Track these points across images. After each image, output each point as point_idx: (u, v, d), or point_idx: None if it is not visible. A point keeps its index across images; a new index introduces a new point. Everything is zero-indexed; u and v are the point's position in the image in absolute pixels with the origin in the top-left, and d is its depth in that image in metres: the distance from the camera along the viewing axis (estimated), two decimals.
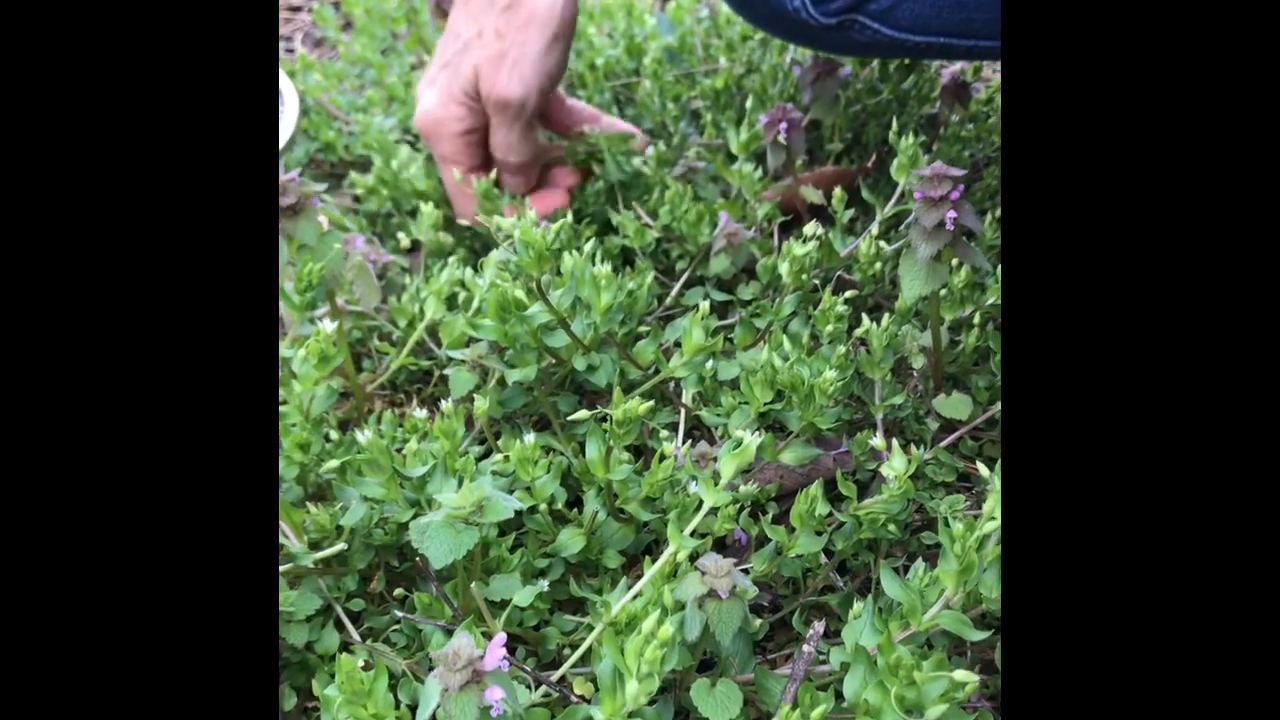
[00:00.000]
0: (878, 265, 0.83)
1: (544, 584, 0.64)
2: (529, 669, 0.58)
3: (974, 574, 0.56)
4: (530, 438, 0.64)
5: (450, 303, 0.82)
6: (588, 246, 0.74)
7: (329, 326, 0.64)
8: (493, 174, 0.87)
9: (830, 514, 0.68)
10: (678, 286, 0.89)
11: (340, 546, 0.62)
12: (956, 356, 0.80)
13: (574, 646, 0.64)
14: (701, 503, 0.61)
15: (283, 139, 0.90)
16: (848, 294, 0.76)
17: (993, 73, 1.18)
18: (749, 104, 1.07)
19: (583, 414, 0.64)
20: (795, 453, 0.71)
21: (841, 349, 0.71)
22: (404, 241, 0.91)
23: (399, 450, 0.71)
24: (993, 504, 0.54)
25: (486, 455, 0.75)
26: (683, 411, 0.78)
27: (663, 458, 0.64)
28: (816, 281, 0.87)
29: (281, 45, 1.64)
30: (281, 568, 0.60)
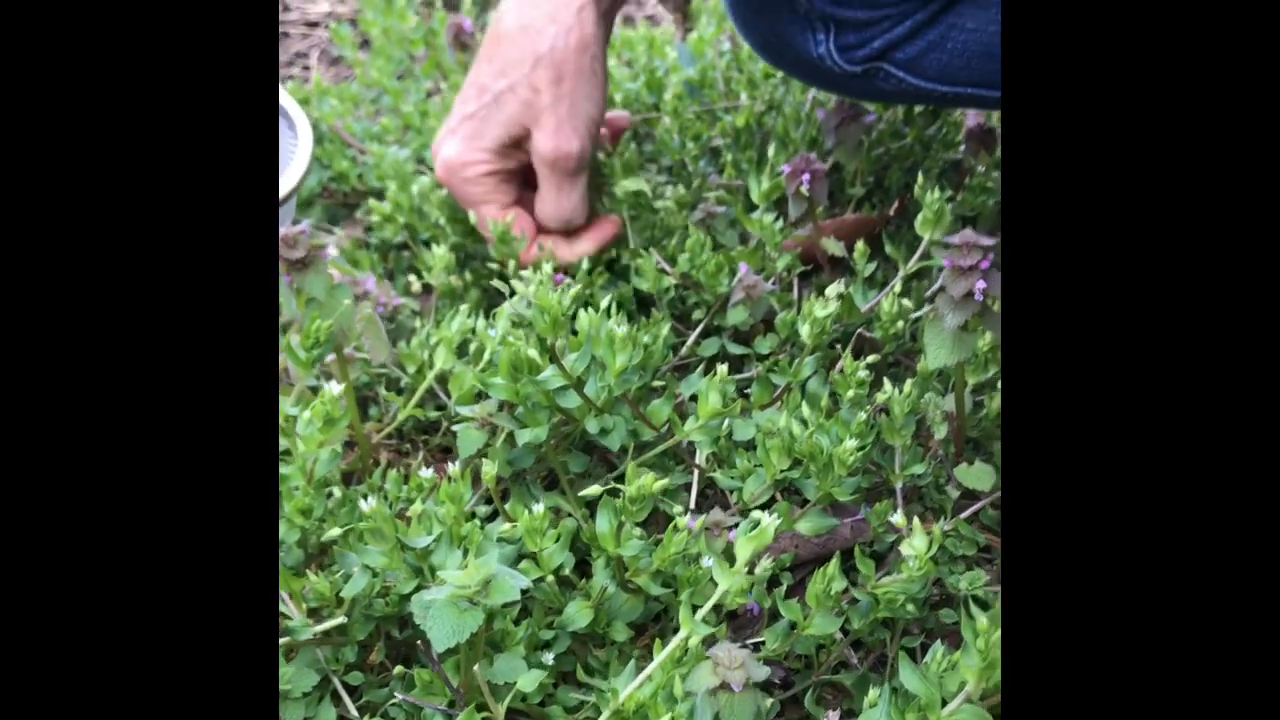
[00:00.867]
0: (900, 324, 0.80)
1: (549, 657, 0.62)
2: None
3: (997, 670, 0.54)
4: (539, 507, 0.62)
5: (461, 349, 0.80)
6: (604, 302, 0.72)
7: (336, 389, 0.62)
8: (509, 216, 0.85)
9: (846, 589, 0.66)
10: (694, 336, 0.87)
11: (340, 619, 0.60)
12: (979, 421, 0.78)
13: None
14: (713, 575, 0.59)
15: (296, 175, 0.88)
16: (870, 359, 0.74)
17: None
18: (771, 146, 1.05)
19: (594, 489, 0.62)
20: (812, 523, 0.69)
21: (862, 415, 0.69)
22: (415, 286, 0.89)
23: (403, 512, 0.69)
24: None
25: (494, 516, 0.73)
26: (696, 473, 0.76)
27: (675, 529, 0.62)
28: (836, 337, 0.85)
29: (298, 62, 1.63)
30: (279, 640, 0.59)
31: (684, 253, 0.86)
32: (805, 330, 0.72)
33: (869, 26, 0.89)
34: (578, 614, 0.63)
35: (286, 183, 0.88)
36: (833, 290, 0.73)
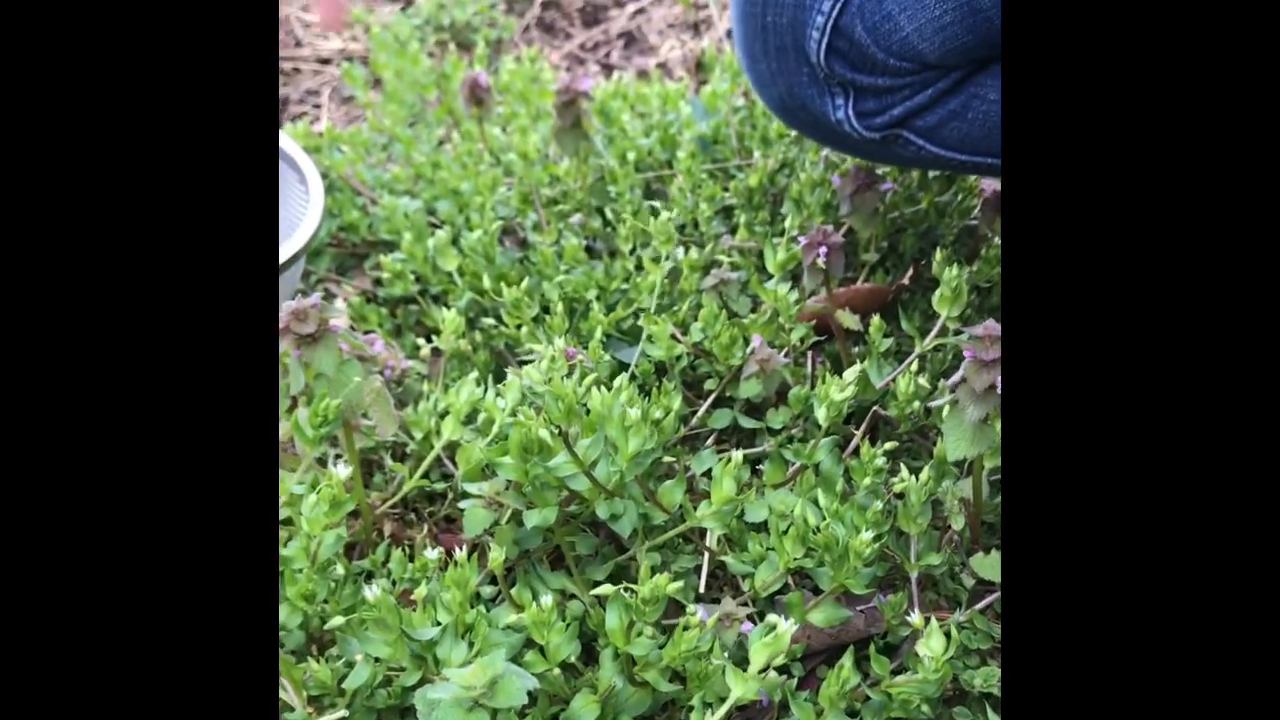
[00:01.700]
0: (915, 403, 0.79)
1: None
2: None
3: None
4: (547, 599, 0.60)
5: (469, 418, 0.79)
6: (617, 382, 0.71)
7: (343, 471, 0.61)
8: None
9: (859, 686, 0.64)
10: (705, 406, 0.86)
11: (342, 712, 0.59)
12: (997, 506, 0.77)
13: None
14: (726, 678, 0.58)
15: (308, 232, 0.87)
16: (886, 445, 0.73)
17: None
18: (785, 211, 1.04)
19: (607, 589, 0.61)
20: (825, 613, 0.68)
21: (879, 504, 0.68)
22: (424, 350, 0.88)
23: (408, 593, 0.67)
24: None
25: (499, 596, 0.71)
26: (706, 555, 0.74)
27: (687, 627, 0.61)
28: (850, 411, 0.83)
29: (309, 100, 1.63)
30: None
31: (696, 322, 0.85)
32: (822, 414, 0.71)
33: (889, 94, 0.88)
34: (584, 708, 0.62)
35: (298, 239, 0.87)
36: (850, 374, 0.72)
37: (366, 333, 0.94)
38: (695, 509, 0.69)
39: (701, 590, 0.74)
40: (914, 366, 0.82)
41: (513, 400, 0.74)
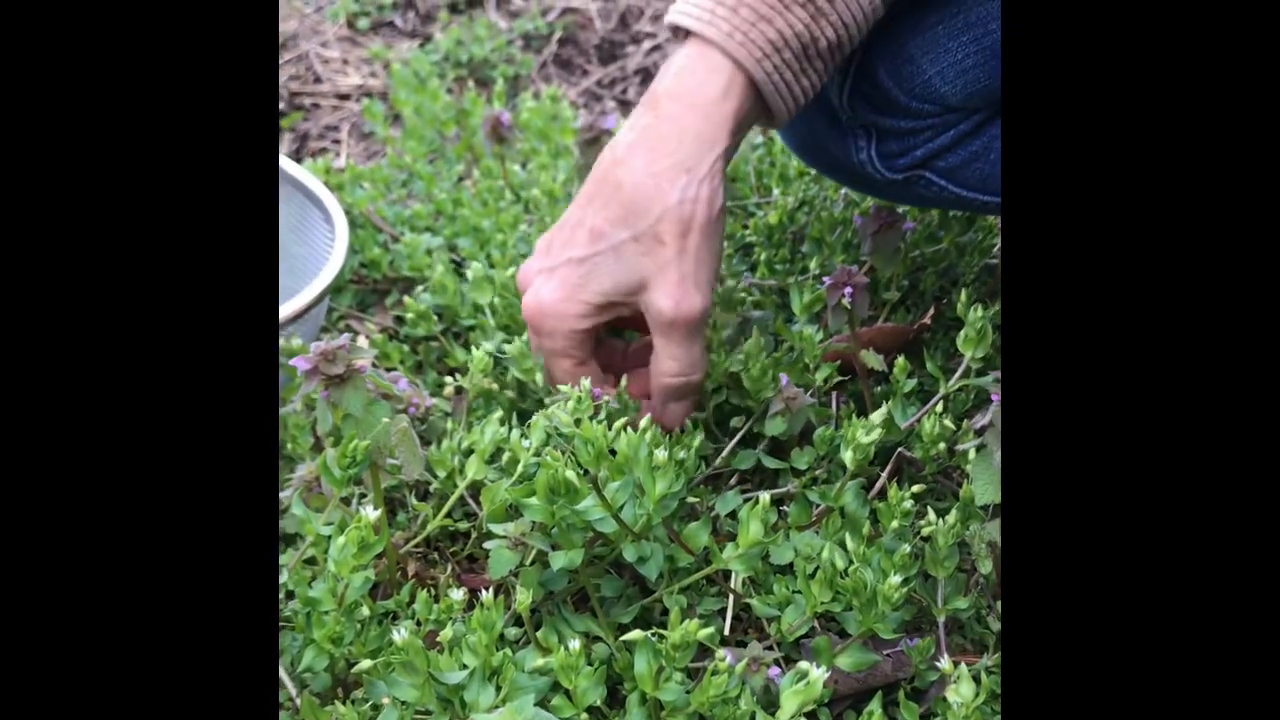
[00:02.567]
0: (940, 445, 0.79)
1: None
2: None
3: None
4: (575, 644, 0.60)
5: (493, 457, 0.79)
6: (643, 423, 0.71)
7: (372, 514, 0.61)
8: (585, 381, 0.72)
9: None
10: (731, 444, 0.86)
11: None
12: None
13: None
14: (754, 716, 0.57)
15: (332, 272, 0.88)
16: (914, 489, 0.73)
17: None
18: (806, 249, 1.04)
19: (636, 635, 0.60)
20: (853, 658, 0.67)
21: (906, 548, 0.68)
22: (449, 389, 0.88)
23: (434, 634, 0.67)
24: None
25: (524, 637, 0.71)
26: (731, 597, 0.74)
27: (715, 672, 0.60)
28: (875, 452, 0.83)
29: (328, 135, 1.64)
30: None
31: (740, 355, 0.85)
32: (848, 457, 0.71)
33: (912, 135, 0.89)
34: None
35: (323, 278, 0.87)
36: (877, 417, 0.72)
37: (389, 370, 0.94)
38: (720, 550, 0.69)
39: (727, 632, 0.73)
40: (938, 408, 0.82)
41: (538, 440, 0.74)
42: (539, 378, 0.84)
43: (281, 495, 0.77)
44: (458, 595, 0.66)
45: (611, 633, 0.70)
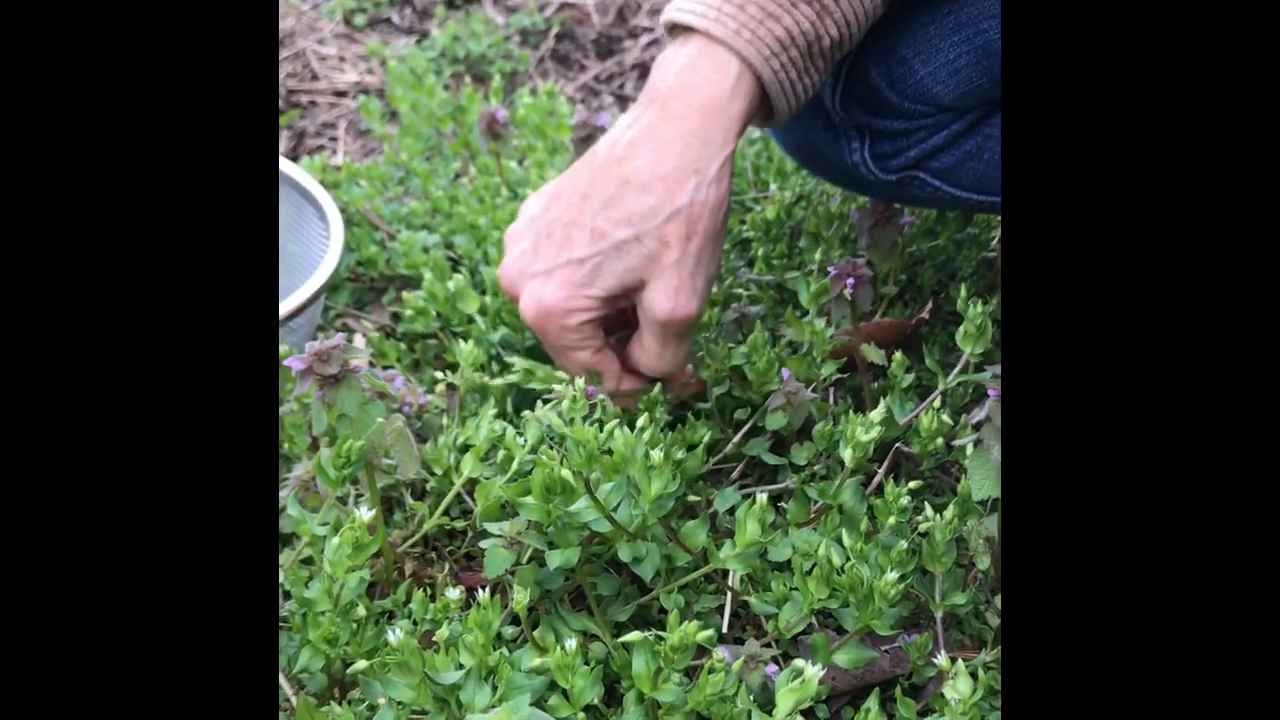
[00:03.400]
0: (939, 440, 0.79)
1: None
2: None
3: None
4: (571, 643, 0.60)
5: (488, 454, 0.79)
6: (640, 422, 0.70)
7: (367, 515, 0.61)
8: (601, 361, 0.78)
9: None
10: (736, 438, 0.85)
11: None
12: None
13: None
14: (751, 716, 0.57)
15: (328, 270, 0.88)
16: (911, 484, 0.72)
17: None
18: (804, 244, 1.04)
19: (635, 636, 0.60)
20: (851, 655, 0.67)
21: (903, 544, 0.67)
22: (441, 387, 0.88)
23: (430, 633, 0.67)
24: None
25: (520, 636, 0.71)
26: (729, 595, 0.74)
27: (712, 670, 0.60)
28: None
29: (325, 133, 1.64)
30: None
31: (742, 347, 0.85)
32: (848, 455, 0.71)
33: (905, 136, 0.88)
34: None
35: (318, 277, 0.87)
36: (876, 414, 0.72)
37: (385, 368, 0.94)
38: (718, 548, 0.68)
39: (724, 630, 0.73)
40: (936, 403, 0.81)
41: (533, 437, 0.73)
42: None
43: (281, 495, 0.77)
44: (454, 595, 0.66)
45: (609, 631, 0.70)
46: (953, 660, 0.63)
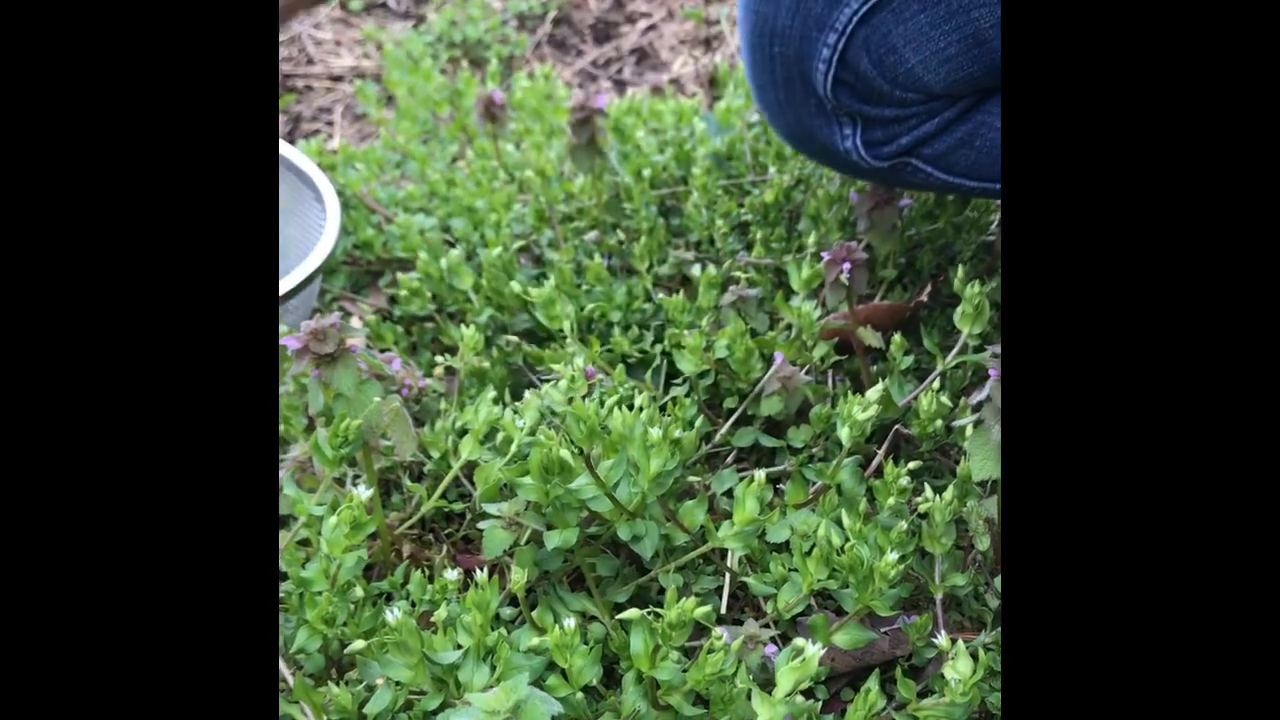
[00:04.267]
0: (938, 422, 0.78)
1: None
2: None
3: None
4: (570, 623, 0.59)
5: (487, 436, 0.78)
6: (638, 401, 0.70)
7: (364, 494, 0.60)
8: None
9: (884, 709, 0.64)
10: (727, 424, 0.85)
11: None
12: None
13: None
14: (753, 704, 0.57)
15: (324, 251, 0.87)
16: (910, 465, 0.72)
17: None
18: (802, 228, 1.04)
19: (633, 613, 0.60)
20: (850, 636, 0.67)
21: (903, 524, 0.67)
22: (439, 370, 0.87)
23: (428, 614, 0.67)
24: None
25: (519, 617, 0.70)
26: (728, 576, 0.74)
27: (711, 650, 0.60)
28: (872, 430, 0.83)
29: (321, 117, 1.63)
30: None
31: (720, 339, 0.84)
32: (845, 434, 0.70)
33: (897, 123, 0.88)
34: None
35: (315, 258, 0.87)
36: (873, 393, 0.71)
37: (383, 351, 0.93)
38: (717, 529, 0.68)
39: (723, 611, 0.73)
40: (935, 384, 0.81)
41: (531, 420, 0.73)
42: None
43: None
44: (452, 575, 0.66)
45: (607, 612, 0.70)
46: (953, 641, 0.63)
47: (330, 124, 1.60)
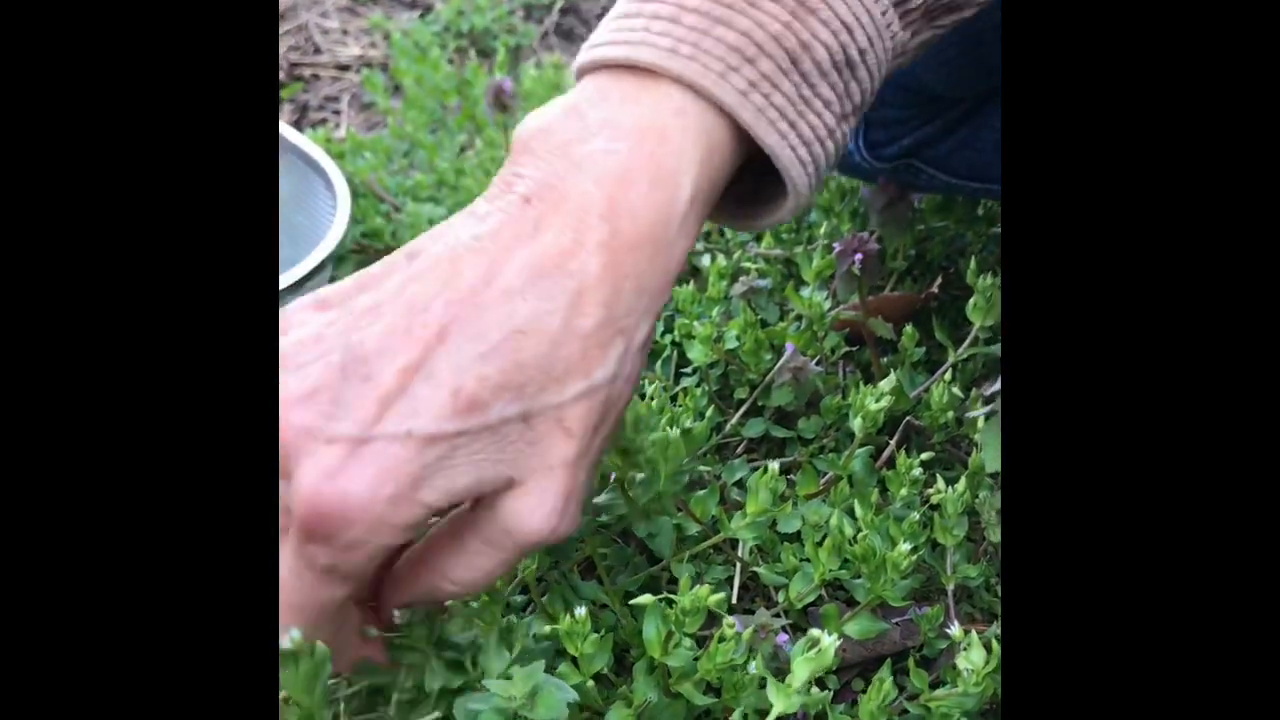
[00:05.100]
0: (950, 413, 0.78)
1: None
2: None
3: None
4: (581, 610, 0.59)
5: None
6: (648, 390, 0.70)
7: None
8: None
9: (896, 699, 0.64)
10: (737, 415, 0.85)
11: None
12: None
13: None
14: (768, 694, 0.57)
15: (334, 240, 0.87)
16: (923, 455, 0.72)
17: None
18: (813, 219, 1.04)
19: (647, 599, 0.60)
20: (862, 626, 0.67)
21: (915, 515, 0.67)
22: None
23: None
24: None
25: (528, 605, 0.70)
26: (738, 566, 0.74)
27: (723, 639, 0.60)
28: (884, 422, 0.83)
29: (328, 106, 1.63)
30: None
31: (730, 329, 0.84)
32: (857, 424, 0.70)
33: (898, 125, 0.88)
34: None
35: (325, 246, 0.87)
36: (886, 383, 0.71)
37: None
38: (729, 519, 0.68)
39: (734, 601, 0.73)
40: (947, 376, 0.81)
41: None
42: None
43: None
44: None
45: (618, 600, 0.70)
46: (966, 632, 0.63)
47: (337, 113, 1.60)
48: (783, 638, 0.65)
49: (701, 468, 0.78)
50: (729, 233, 1.03)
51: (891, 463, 0.79)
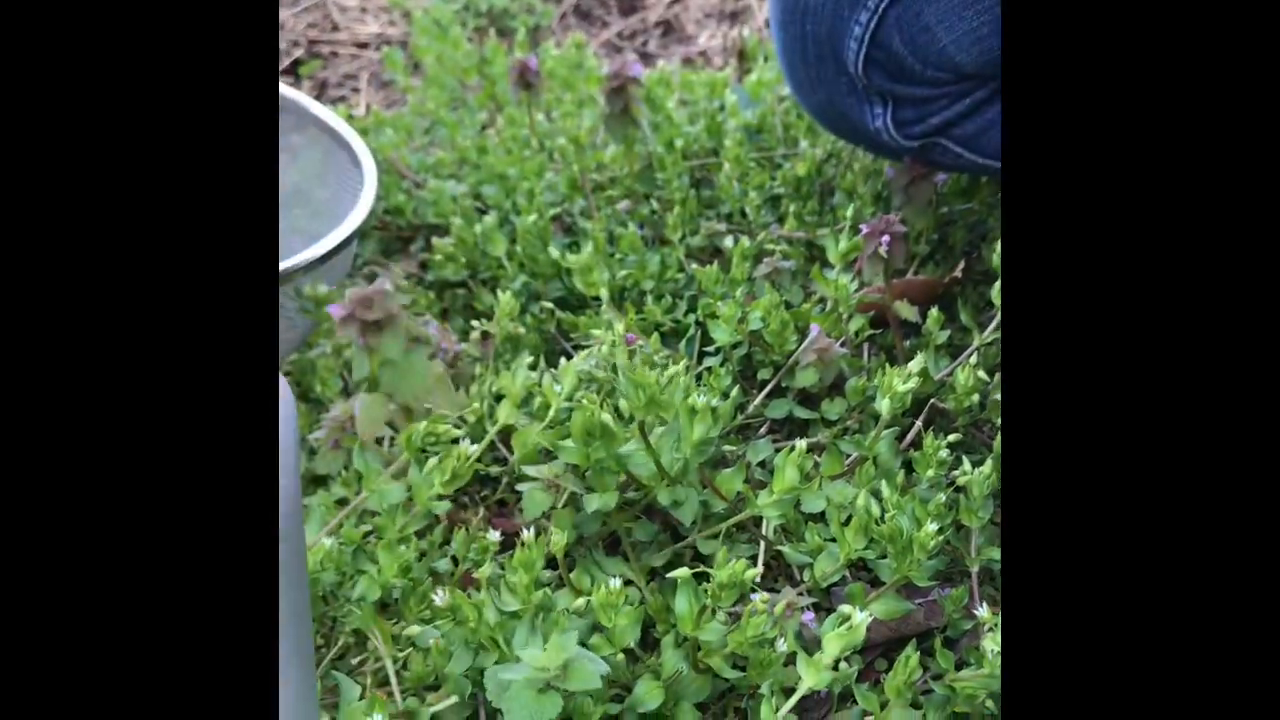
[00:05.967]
0: (974, 397, 0.79)
1: None
2: None
3: None
4: (615, 582, 0.60)
5: (524, 401, 0.79)
6: (678, 367, 0.70)
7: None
8: None
9: (921, 678, 0.64)
10: (761, 395, 0.85)
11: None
12: None
13: None
14: (798, 669, 0.57)
15: (361, 215, 0.87)
16: (950, 438, 0.72)
17: None
18: (836, 201, 1.04)
19: (683, 572, 0.60)
20: (887, 606, 0.67)
21: (941, 497, 0.68)
22: (475, 334, 0.87)
23: (469, 573, 0.67)
24: None
25: (557, 580, 0.71)
26: (763, 544, 0.74)
27: (754, 613, 0.61)
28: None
29: (347, 84, 1.62)
30: None
31: (754, 310, 0.85)
32: (884, 405, 0.70)
33: (928, 103, 0.88)
34: (648, 695, 0.62)
35: (352, 221, 0.87)
36: (914, 365, 0.71)
37: (416, 315, 0.94)
38: (755, 497, 0.68)
39: (759, 579, 0.73)
40: (972, 359, 0.81)
41: (569, 385, 0.73)
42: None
43: (312, 437, 0.77)
44: (495, 536, 0.66)
45: (644, 576, 0.70)
46: (993, 613, 0.63)
47: (356, 90, 1.60)
48: (808, 615, 0.66)
49: (726, 447, 0.79)
50: (751, 214, 1.03)
51: (917, 444, 0.80)
